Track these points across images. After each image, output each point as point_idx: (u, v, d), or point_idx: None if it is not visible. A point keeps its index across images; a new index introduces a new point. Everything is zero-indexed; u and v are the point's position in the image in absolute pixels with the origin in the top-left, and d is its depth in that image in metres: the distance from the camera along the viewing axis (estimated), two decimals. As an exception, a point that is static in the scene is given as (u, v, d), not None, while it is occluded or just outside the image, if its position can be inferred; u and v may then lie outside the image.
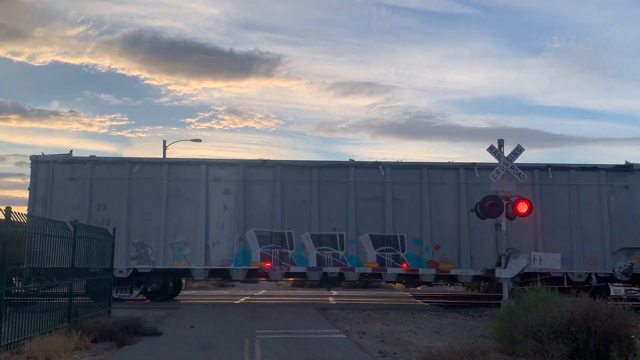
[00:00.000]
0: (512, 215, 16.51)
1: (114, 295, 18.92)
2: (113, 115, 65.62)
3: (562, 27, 66.26)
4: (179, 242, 18.89)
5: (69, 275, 11.65)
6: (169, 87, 69.16)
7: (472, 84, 64.61)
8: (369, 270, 18.97)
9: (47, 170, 18.95)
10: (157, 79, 69.83)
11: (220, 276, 20.23)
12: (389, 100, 64.83)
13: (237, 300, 21.44)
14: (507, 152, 16.82)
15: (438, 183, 19.38)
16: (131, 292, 19.15)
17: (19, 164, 64.92)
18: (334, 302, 20.55)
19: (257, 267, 18.85)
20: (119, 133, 63.96)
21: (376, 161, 19.59)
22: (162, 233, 18.83)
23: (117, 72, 64.00)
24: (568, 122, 72.47)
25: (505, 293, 15.86)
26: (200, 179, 19.17)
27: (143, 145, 70.24)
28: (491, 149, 16.81)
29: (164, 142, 32.39)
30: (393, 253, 18.96)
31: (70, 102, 67.19)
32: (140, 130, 69.39)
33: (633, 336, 8.50)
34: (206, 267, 18.83)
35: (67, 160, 19.08)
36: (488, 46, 66.24)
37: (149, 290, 19.24)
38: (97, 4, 60.65)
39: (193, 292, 25.87)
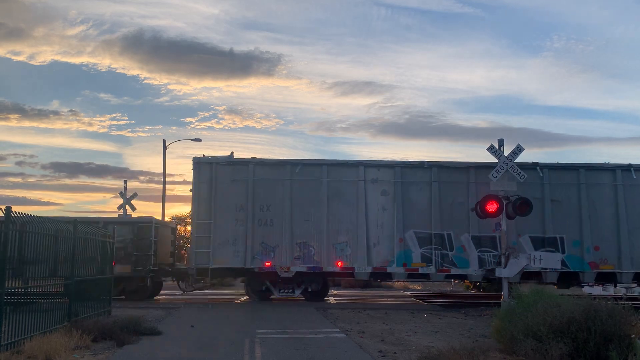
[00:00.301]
0: (512, 215, 16.52)
1: (277, 295, 19.40)
2: (113, 115, 65.64)
3: (562, 27, 66.31)
4: (341, 242, 19.09)
5: (70, 275, 11.66)
6: (169, 87, 69.19)
7: (472, 83, 64.68)
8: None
9: (210, 171, 19.30)
10: (157, 79, 69.84)
11: (382, 277, 20.21)
12: (389, 100, 64.87)
13: (237, 300, 21.44)
14: (507, 152, 16.84)
15: (594, 184, 19.53)
16: (293, 292, 19.41)
17: (19, 163, 64.87)
18: (334, 302, 20.55)
19: (417, 269, 18.97)
20: (119, 132, 64.02)
21: (534, 162, 19.57)
22: (324, 233, 19.05)
23: (117, 71, 64.05)
24: (568, 122, 72.54)
25: (505, 293, 15.86)
26: (358, 180, 19.38)
27: (143, 145, 70.27)
28: (491, 149, 16.82)
29: (164, 141, 32.43)
30: (554, 254, 18.92)
31: (70, 101, 67.24)
32: (140, 129, 69.42)
33: (633, 336, 8.50)
34: (369, 267, 18.96)
35: (230, 162, 19.42)
36: (488, 46, 66.27)
37: (309, 290, 19.41)
38: (97, 3, 60.67)
39: (193, 292, 25.82)
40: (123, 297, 20.07)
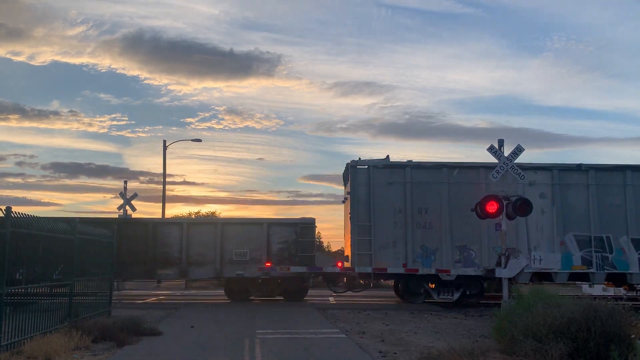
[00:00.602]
0: (512, 215, 16.52)
1: (436, 298, 19.39)
2: (113, 115, 65.56)
3: (562, 27, 66.33)
4: (500, 246, 19.00)
5: (70, 275, 11.66)
6: (169, 87, 69.16)
7: (472, 84, 64.70)
8: None
9: (366, 175, 19.46)
10: (157, 79, 69.80)
11: (543, 279, 20.07)
12: (389, 100, 64.89)
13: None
14: (507, 152, 16.85)
15: None
16: (452, 295, 19.43)
17: (19, 164, 64.73)
18: (334, 302, 20.55)
19: (578, 271, 19.08)
20: (119, 133, 63.92)
21: None
22: (485, 236, 19.07)
23: (117, 72, 64.01)
24: (568, 122, 72.50)
25: (505, 293, 15.86)
26: (517, 183, 19.26)
27: (143, 145, 70.23)
28: (491, 149, 16.84)
29: (164, 142, 32.44)
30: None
31: (70, 102, 67.20)
32: (140, 130, 69.32)
33: (633, 336, 8.50)
34: (528, 270, 18.82)
35: (386, 165, 19.54)
36: (488, 46, 66.29)
37: (468, 293, 19.40)
38: (97, 3, 60.69)
39: (193, 292, 25.88)
40: (281, 297, 20.28)
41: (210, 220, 20.74)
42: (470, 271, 18.80)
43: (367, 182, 19.36)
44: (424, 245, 19.07)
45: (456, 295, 19.28)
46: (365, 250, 18.98)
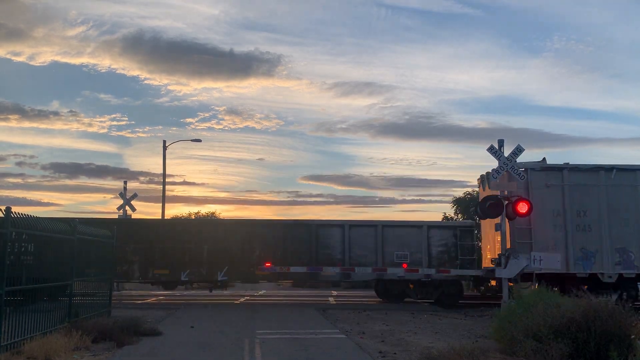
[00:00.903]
0: (512, 215, 16.56)
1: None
2: (113, 115, 65.54)
3: (562, 27, 66.41)
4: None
5: (70, 276, 11.65)
6: (169, 87, 69.15)
7: (472, 84, 64.76)
8: None
9: (524, 177, 19.17)
10: (157, 79, 69.78)
11: None
12: (389, 101, 64.93)
13: (237, 300, 21.46)
14: (507, 152, 16.89)
15: None
16: (611, 297, 19.13)
17: (19, 164, 64.66)
18: (334, 302, 20.56)
19: None
20: (119, 133, 63.89)
21: None
22: None
23: (117, 72, 64.01)
24: (568, 122, 72.50)
25: (505, 293, 15.88)
26: None
27: (143, 146, 70.22)
28: (491, 149, 16.88)
29: (164, 142, 32.46)
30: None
31: (70, 102, 67.18)
32: (140, 130, 69.28)
33: (633, 336, 8.50)
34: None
35: (543, 168, 19.45)
36: (488, 46, 66.37)
37: (624, 295, 19.19)
38: (97, 4, 60.73)
39: (193, 292, 25.88)
40: (432, 301, 20.15)
41: (371, 223, 20.93)
42: (630, 273, 18.80)
43: (525, 185, 19.14)
44: (583, 247, 18.99)
45: (614, 297, 19.05)
46: (526, 253, 18.71)
